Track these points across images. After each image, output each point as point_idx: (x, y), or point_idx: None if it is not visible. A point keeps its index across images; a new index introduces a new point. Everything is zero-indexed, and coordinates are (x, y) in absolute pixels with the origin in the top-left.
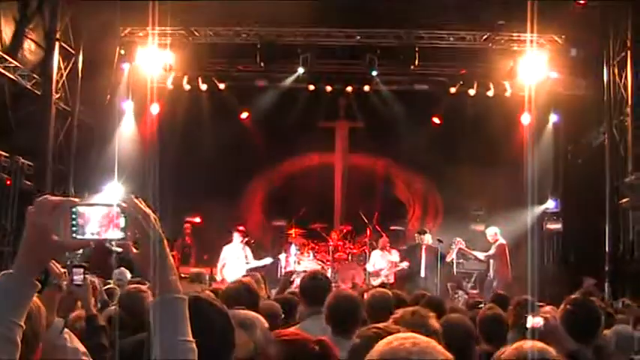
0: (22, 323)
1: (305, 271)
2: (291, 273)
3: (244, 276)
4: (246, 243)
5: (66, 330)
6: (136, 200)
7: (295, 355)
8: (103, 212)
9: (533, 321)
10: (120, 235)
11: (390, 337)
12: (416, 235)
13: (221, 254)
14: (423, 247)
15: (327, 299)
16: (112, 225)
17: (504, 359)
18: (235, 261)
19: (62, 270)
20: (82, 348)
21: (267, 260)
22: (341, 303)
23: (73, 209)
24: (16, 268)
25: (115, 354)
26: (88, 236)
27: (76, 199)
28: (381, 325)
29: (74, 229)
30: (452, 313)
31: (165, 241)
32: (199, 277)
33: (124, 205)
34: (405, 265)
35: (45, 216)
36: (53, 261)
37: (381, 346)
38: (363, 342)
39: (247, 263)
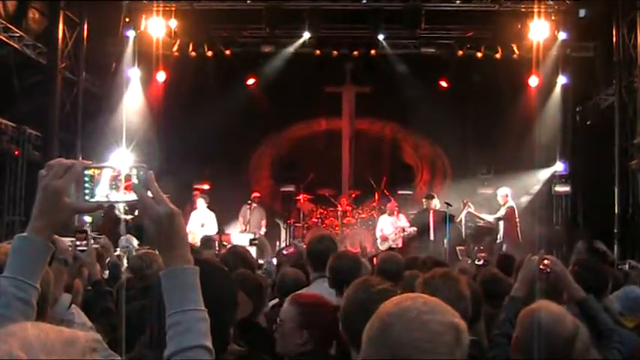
0: (38, 286)
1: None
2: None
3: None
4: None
5: (73, 305)
6: (148, 171)
7: (312, 316)
8: (115, 175)
9: (540, 266)
10: (132, 197)
11: (398, 297)
12: (423, 200)
13: (188, 222)
14: (431, 211)
15: (329, 261)
16: (123, 188)
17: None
18: (200, 229)
19: (68, 244)
20: (89, 323)
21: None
22: (341, 263)
23: (85, 172)
24: (29, 231)
25: (122, 319)
26: (100, 199)
27: (88, 162)
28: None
29: (86, 191)
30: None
31: (179, 214)
32: (208, 243)
33: (135, 169)
34: (413, 229)
35: (57, 179)
36: (58, 236)
37: (390, 305)
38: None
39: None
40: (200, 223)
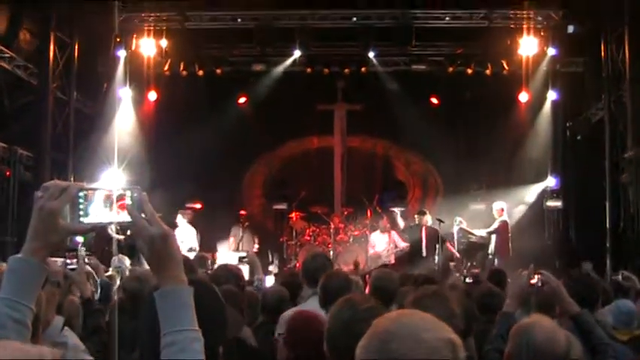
0: (33, 307)
1: None
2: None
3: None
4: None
5: (66, 328)
6: (142, 193)
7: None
8: (108, 196)
9: (533, 280)
10: (126, 219)
11: (394, 313)
12: (416, 216)
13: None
14: (423, 227)
15: (320, 280)
16: (117, 208)
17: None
18: (180, 245)
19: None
20: (81, 345)
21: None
22: (332, 282)
23: (80, 193)
24: (24, 252)
25: (114, 338)
26: (94, 220)
27: (83, 184)
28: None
29: (80, 212)
30: (450, 290)
31: (172, 235)
32: (201, 261)
33: (129, 190)
34: (404, 245)
35: (52, 200)
36: (51, 258)
37: (387, 322)
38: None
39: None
40: (179, 240)
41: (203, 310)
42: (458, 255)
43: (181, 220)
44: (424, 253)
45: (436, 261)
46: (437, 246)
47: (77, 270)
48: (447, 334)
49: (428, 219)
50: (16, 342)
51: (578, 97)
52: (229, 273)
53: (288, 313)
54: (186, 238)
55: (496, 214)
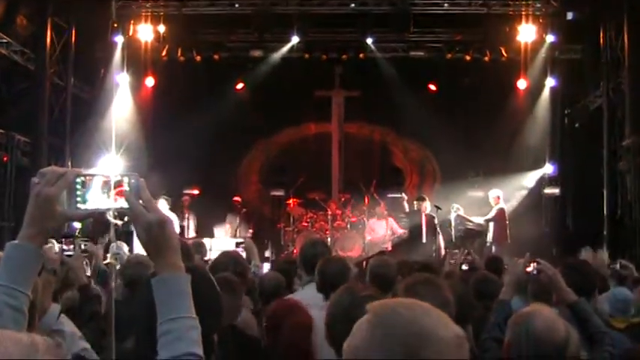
0: (29, 293)
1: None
2: None
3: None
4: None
5: (62, 315)
6: (140, 179)
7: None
8: (106, 182)
9: (528, 268)
10: (123, 205)
11: (393, 301)
12: (415, 202)
13: None
14: (423, 213)
15: (317, 265)
16: (114, 195)
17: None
18: None
19: (56, 252)
20: (78, 332)
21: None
22: (330, 268)
23: (77, 180)
24: (21, 238)
25: (111, 325)
26: (91, 206)
27: (80, 170)
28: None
29: (78, 199)
30: (446, 278)
31: (170, 222)
32: (198, 248)
33: (127, 177)
34: (401, 231)
35: (49, 186)
36: (46, 245)
37: (386, 310)
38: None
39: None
40: None
41: (198, 297)
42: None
43: (164, 205)
44: (424, 240)
45: (434, 247)
46: (436, 232)
47: (74, 256)
48: (450, 323)
49: (427, 205)
50: (8, 330)
51: (577, 85)
52: (230, 259)
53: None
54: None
55: (492, 201)
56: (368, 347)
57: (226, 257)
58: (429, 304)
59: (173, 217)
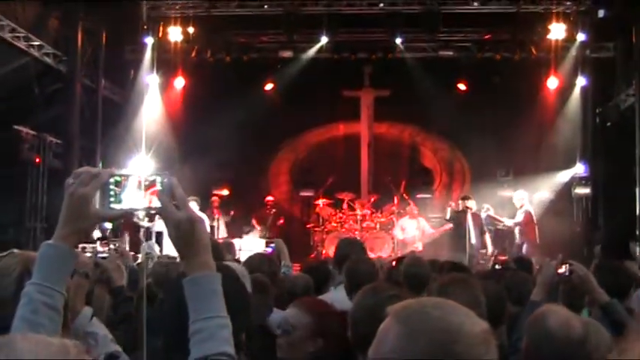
0: (64, 292)
1: None
2: None
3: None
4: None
5: (94, 317)
6: (172, 178)
7: (325, 324)
8: (139, 182)
9: (560, 270)
10: (156, 204)
11: (422, 300)
12: (460, 201)
13: None
14: (469, 212)
15: (346, 266)
16: (149, 196)
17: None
18: None
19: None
20: (110, 335)
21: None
22: (357, 268)
23: (111, 179)
24: (56, 238)
25: (142, 325)
26: (125, 206)
27: (114, 170)
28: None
29: (112, 199)
30: (481, 278)
31: (201, 221)
32: (228, 248)
33: (161, 177)
34: (432, 232)
35: (83, 186)
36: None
37: (414, 307)
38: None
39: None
40: None
41: (227, 296)
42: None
43: (193, 207)
44: (473, 240)
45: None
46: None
47: (109, 258)
48: (480, 322)
49: (472, 204)
50: (38, 335)
51: (608, 83)
52: (262, 260)
53: None
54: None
55: (517, 203)
56: (397, 349)
57: (258, 258)
58: (460, 303)
59: (203, 218)
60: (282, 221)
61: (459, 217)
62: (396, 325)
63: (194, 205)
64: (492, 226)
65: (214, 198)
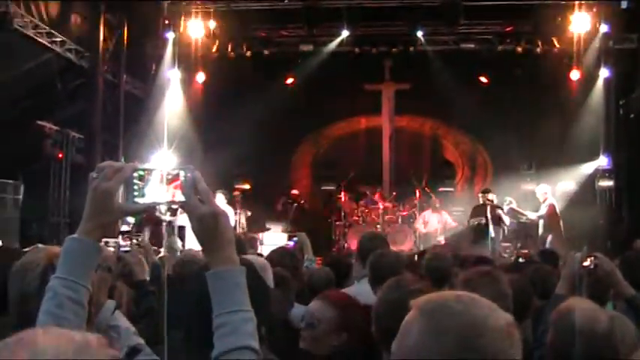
0: (89, 287)
1: None
2: None
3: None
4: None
5: (117, 311)
6: (196, 172)
7: (349, 317)
8: (163, 176)
9: (585, 263)
10: (180, 198)
11: (445, 294)
12: (480, 195)
13: None
14: (488, 206)
15: (370, 259)
16: (172, 189)
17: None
18: None
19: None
20: (132, 328)
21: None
22: (381, 262)
23: (135, 174)
24: (80, 232)
25: (163, 319)
26: (149, 200)
27: (137, 164)
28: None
29: (135, 193)
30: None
31: (225, 215)
32: (250, 242)
33: (184, 171)
34: (454, 225)
35: (107, 181)
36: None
37: (437, 300)
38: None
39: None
40: None
41: (248, 290)
42: None
43: (220, 200)
44: (492, 234)
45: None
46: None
47: (131, 252)
48: (503, 315)
49: (493, 197)
50: (60, 329)
51: (632, 75)
52: (285, 254)
53: None
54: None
55: (540, 197)
56: (421, 343)
57: (280, 251)
58: (486, 297)
59: (229, 212)
60: (303, 203)
61: (480, 211)
62: (420, 319)
63: (221, 199)
64: (515, 219)
65: (236, 192)
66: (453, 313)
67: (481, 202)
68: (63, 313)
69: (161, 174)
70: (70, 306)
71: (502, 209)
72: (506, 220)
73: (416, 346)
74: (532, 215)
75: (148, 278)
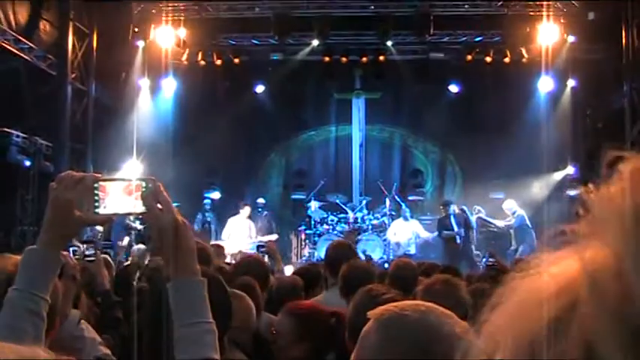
0: (48, 298)
1: None
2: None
3: (260, 247)
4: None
5: (82, 321)
6: (157, 183)
7: (309, 327)
8: (125, 187)
9: None
10: (141, 209)
11: (401, 304)
12: (441, 207)
13: (227, 226)
14: (452, 216)
15: (341, 270)
16: (134, 200)
17: None
18: (240, 234)
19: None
20: (98, 338)
21: (273, 237)
22: (353, 273)
23: (96, 184)
24: (40, 243)
25: (133, 329)
26: (110, 211)
27: (99, 175)
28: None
29: (96, 204)
30: (471, 281)
31: (186, 225)
32: (217, 252)
33: (145, 182)
34: (426, 235)
35: (68, 191)
36: (67, 253)
37: (394, 311)
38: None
39: (250, 238)
40: (240, 229)
41: (209, 300)
42: None
43: (245, 212)
44: (458, 241)
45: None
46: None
47: (95, 261)
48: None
49: (454, 208)
50: (8, 344)
51: (599, 85)
52: (253, 263)
53: None
54: (249, 230)
55: (508, 212)
56: (378, 353)
57: (250, 260)
58: (445, 305)
59: (248, 225)
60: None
61: (443, 223)
62: (377, 330)
63: (247, 211)
64: (484, 228)
65: (206, 201)
66: (408, 322)
67: (443, 214)
68: (21, 325)
69: (122, 185)
70: (28, 317)
71: (467, 213)
72: (474, 224)
73: (373, 355)
74: (500, 224)
75: (109, 287)
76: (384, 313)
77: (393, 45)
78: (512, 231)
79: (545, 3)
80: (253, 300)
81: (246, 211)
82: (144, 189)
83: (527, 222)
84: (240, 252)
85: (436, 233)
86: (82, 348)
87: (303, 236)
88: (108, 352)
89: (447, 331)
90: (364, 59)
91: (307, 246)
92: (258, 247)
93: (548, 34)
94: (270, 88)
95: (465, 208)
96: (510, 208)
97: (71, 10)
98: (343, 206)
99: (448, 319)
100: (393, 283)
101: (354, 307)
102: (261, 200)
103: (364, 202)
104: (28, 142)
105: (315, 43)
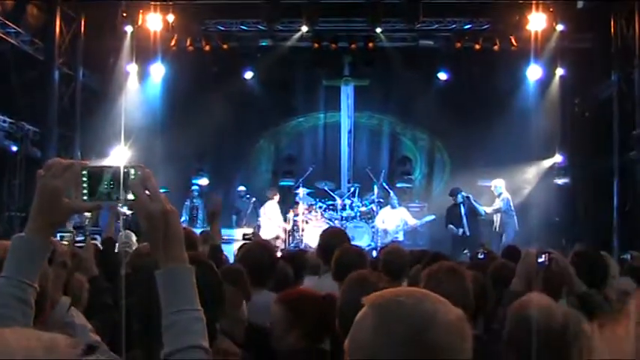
0: (36, 285)
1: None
2: None
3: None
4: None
5: (72, 308)
6: (145, 170)
7: (300, 313)
8: (113, 174)
9: (539, 259)
10: (130, 197)
11: (396, 290)
12: (450, 196)
13: (265, 211)
14: (461, 205)
15: (334, 255)
16: (122, 187)
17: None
18: (277, 219)
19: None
20: (88, 325)
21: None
22: (345, 257)
23: (84, 171)
24: (28, 231)
25: (121, 315)
26: (98, 198)
27: (87, 162)
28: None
29: (85, 191)
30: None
31: (174, 213)
32: (207, 239)
33: (134, 169)
34: (414, 222)
35: (56, 178)
36: (56, 239)
37: (388, 298)
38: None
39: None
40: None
41: (199, 287)
42: None
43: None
44: (467, 232)
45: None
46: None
47: (85, 247)
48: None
49: (461, 197)
50: (28, 328)
51: (587, 74)
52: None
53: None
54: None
55: (495, 191)
56: (372, 339)
57: (255, 247)
58: (449, 292)
59: (276, 212)
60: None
61: (453, 212)
62: (371, 315)
63: (277, 197)
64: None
65: (194, 187)
66: (402, 308)
67: (453, 202)
68: (9, 312)
69: (110, 172)
70: (16, 305)
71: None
72: (481, 211)
73: (367, 341)
74: (488, 209)
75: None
76: (378, 299)
77: (382, 32)
78: (497, 215)
79: None
80: (241, 288)
81: (277, 196)
82: (132, 176)
83: (512, 206)
84: (277, 236)
85: (426, 219)
86: (72, 334)
87: (291, 223)
88: (98, 338)
89: (441, 318)
90: (353, 46)
91: (295, 232)
92: (244, 235)
93: (538, 23)
94: (259, 74)
95: (470, 196)
96: (497, 188)
97: None
98: (331, 193)
99: (443, 305)
100: (384, 269)
101: (344, 293)
102: (242, 188)
103: (352, 189)
104: (15, 128)
105: (305, 29)
